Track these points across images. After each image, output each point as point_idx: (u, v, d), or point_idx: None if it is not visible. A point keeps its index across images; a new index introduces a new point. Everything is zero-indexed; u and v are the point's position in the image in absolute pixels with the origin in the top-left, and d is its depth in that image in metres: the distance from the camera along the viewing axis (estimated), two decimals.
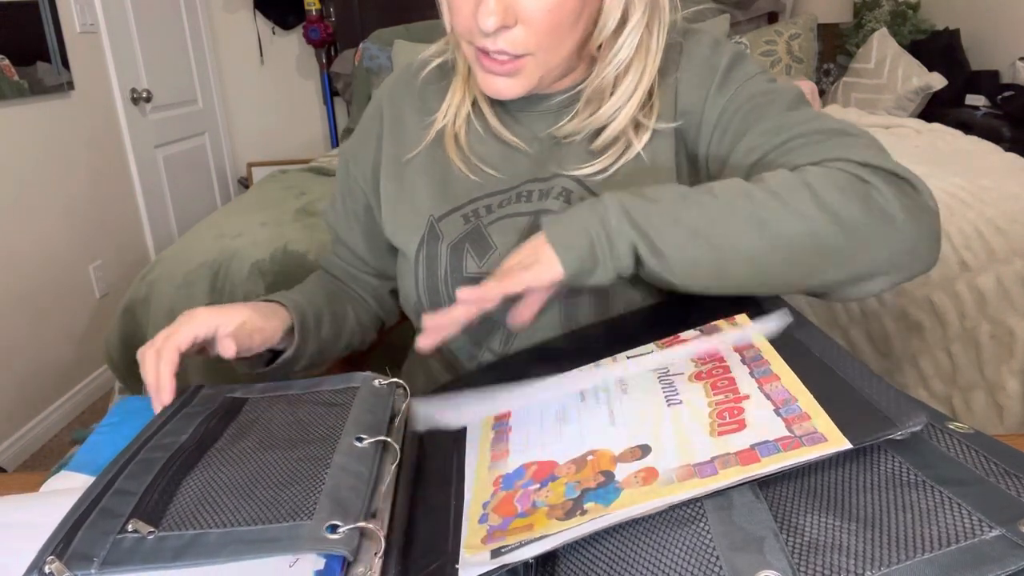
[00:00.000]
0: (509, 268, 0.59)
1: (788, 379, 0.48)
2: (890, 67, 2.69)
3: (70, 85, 2.39)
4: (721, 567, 0.35)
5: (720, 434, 0.44)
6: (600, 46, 0.70)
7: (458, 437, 0.55)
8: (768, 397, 0.46)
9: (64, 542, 0.44)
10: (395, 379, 0.63)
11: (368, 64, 2.80)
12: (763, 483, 0.40)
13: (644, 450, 0.45)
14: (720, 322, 0.57)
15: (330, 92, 3.37)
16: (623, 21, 0.66)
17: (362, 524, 0.43)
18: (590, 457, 0.46)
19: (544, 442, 0.50)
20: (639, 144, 0.71)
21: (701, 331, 0.57)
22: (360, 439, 0.52)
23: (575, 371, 0.58)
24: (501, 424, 0.55)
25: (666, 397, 0.50)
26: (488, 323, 0.73)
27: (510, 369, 0.65)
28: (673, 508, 0.39)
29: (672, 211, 0.57)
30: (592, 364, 0.58)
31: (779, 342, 0.52)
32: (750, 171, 0.65)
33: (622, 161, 0.71)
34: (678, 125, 0.71)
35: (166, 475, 0.50)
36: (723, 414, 0.46)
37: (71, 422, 2.37)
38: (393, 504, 0.49)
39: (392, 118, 0.80)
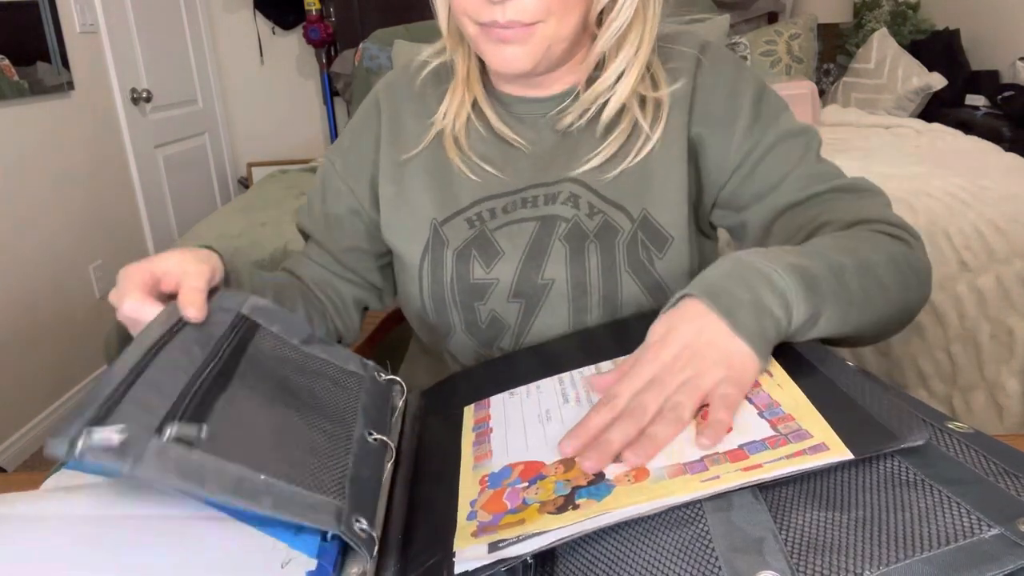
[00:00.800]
0: (698, 382, 0.47)
1: (779, 379, 0.48)
2: (890, 67, 2.69)
3: (70, 85, 2.39)
4: (720, 568, 0.35)
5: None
6: (600, 22, 0.69)
7: (454, 436, 0.55)
8: (751, 401, 0.47)
9: (95, 421, 0.38)
10: (393, 376, 0.62)
11: (368, 64, 2.80)
12: (762, 484, 0.40)
13: None
14: None
15: (330, 92, 3.37)
16: None
17: (375, 532, 0.43)
18: (578, 457, 0.46)
19: (528, 444, 0.50)
20: (646, 121, 0.70)
21: None
22: (371, 433, 0.52)
23: (555, 376, 0.58)
24: (481, 427, 0.54)
25: None
26: (498, 325, 0.73)
27: (510, 365, 0.65)
28: (672, 509, 0.39)
29: (836, 288, 0.54)
30: (578, 369, 0.58)
31: (781, 354, 0.52)
32: (784, 211, 0.70)
33: (632, 153, 0.70)
34: (695, 133, 0.71)
35: (200, 385, 0.45)
36: (707, 415, 0.46)
37: None
38: (391, 502, 0.49)
39: (390, 119, 0.79)
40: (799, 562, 0.35)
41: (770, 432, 0.43)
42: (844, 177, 0.70)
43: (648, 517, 0.40)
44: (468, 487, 0.48)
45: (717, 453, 0.42)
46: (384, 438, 0.53)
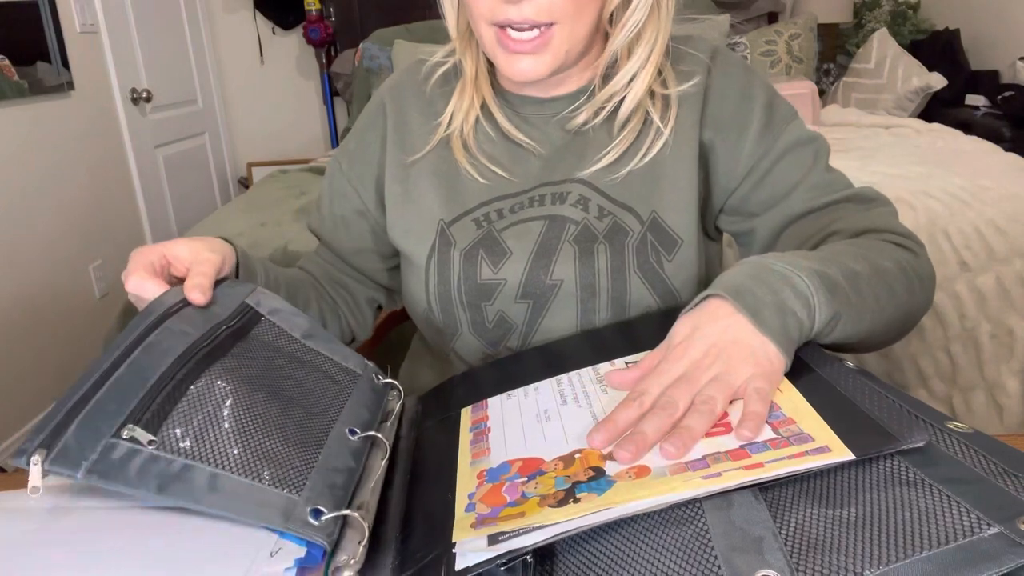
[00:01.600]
0: (729, 380, 0.47)
1: (789, 395, 0.48)
2: (890, 67, 2.69)
3: (70, 85, 2.39)
4: (719, 567, 0.35)
5: (707, 436, 0.44)
6: (612, 21, 0.69)
7: (452, 436, 0.55)
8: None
9: (53, 434, 0.40)
10: (390, 380, 0.62)
11: (368, 64, 2.80)
12: (762, 484, 0.40)
13: None
14: None
15: (330, 92, 3.37)
16: None
17: (346, 512, 0.43)
18: (578, 455, 0.46)
19: (527, 442, 0.50)
20: (656, 115, 0.70)
21: None
22: (353, 431, 0.52)
23: (553, 378, 0.58)
24: (478, 427, 0.54)
25: None
26: (505, 325, 0.73)
27: (512, 366, 0.65)
28: (671, 507, 0.39)
29: (851, 294, 0.55)
30: (576, 371, 0.58)
31: None
32: (794, 220, 0.71)
33: (641, 151, 0.71)
34: (706, 138, 0.72)
35: (173, 378, 0.47)
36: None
37: None
38: (389, 503, 0.49)
39: (397, 120, 0.79)
40: (798, 561, 0.35)
41: (771, 435, 0.43)
42: (852, 187, 0.72)
43: (647, 515, 0.40)
44: (466, 481, 0.48)
45: (719, 452, 0.42)
46: (374, 433, 0.53)
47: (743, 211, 0.74)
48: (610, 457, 0.45)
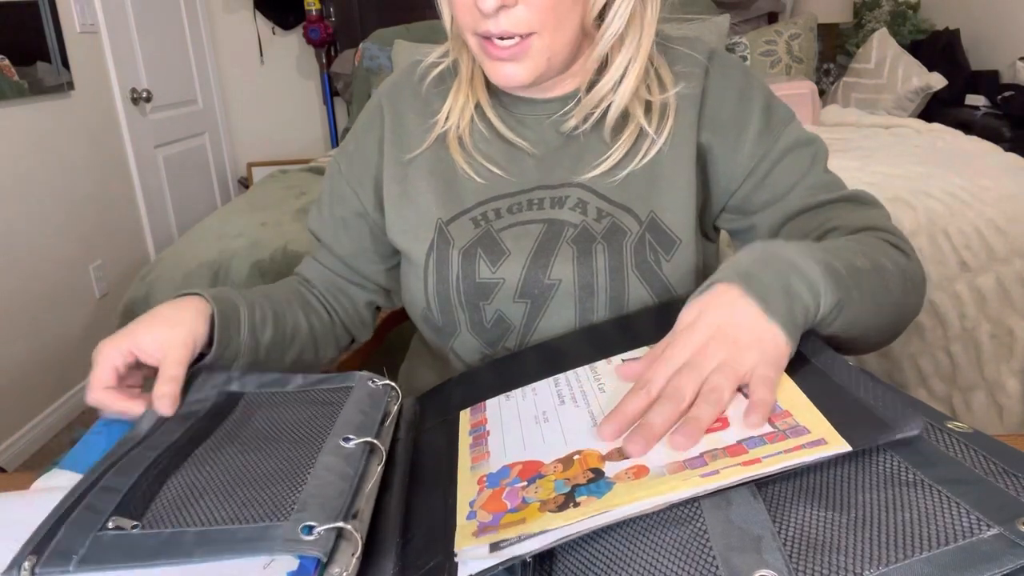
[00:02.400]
0: (735, 366, 0.47)
1: (785, 386, 0.47)
2: (890, 67, 2.69)
3: (70, 85, 2.39)
4: (718, 567, 0.35)
5: (706, 432, 0.44)
6: (599, 25, 0.70)
7: (451, 440, 0.55)
8: (747, 396, 0.46)
9: (46, 538, 0.44)
10: (389, 381, 0.62)
11: (368, 64, 2.80)
12: (760, 482, 0.40)
13: None
14: None
15: (330, 92, 3.37)
16: None
17: (339, 524, 0.43)
18: (576, 456, 0.46)
19: (525, 444, 0.49)
20: (651, 126, 0.71)
21: None
22: (348, 439, 0.52)
23: (551, 378, 0.58)
24: (477, 430, 0.54)
25: None
26: (503, 325, 0.73)
27: (511, 365, 0.65)
28: (670, 507, 0.39)
29: (853, 286, 0.54)
30: (574, 370, 0.58)
31: None
32: (793, 216, 0.72)
33: (639, 156, 0.71)
34: (704, 139, 0.72)
35: (152, 473, 0.50)
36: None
37: (71, 422, 2.37)
38: (388, 507, 0.49)
39: (394, 121, 0.79)
40: (797, 561, 0.35)
41: (768, 429, 0.43)
42: (847, 189, 0.73)
43: (646, 516, 0.40)
44: (466, 487, 0.47)
45: (716, 449, 0.42)
46: (370, 439, 0.53)
47: (743, 210, 0.75)
48: (610, 458, 0.45)
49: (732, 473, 0.39)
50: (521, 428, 0.52)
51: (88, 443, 0.60)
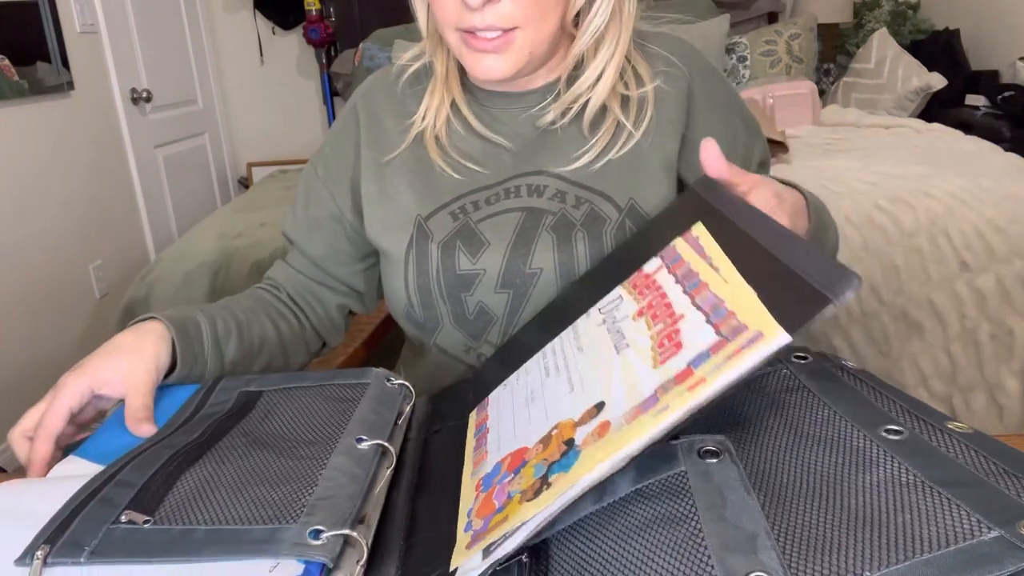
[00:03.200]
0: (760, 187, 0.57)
1: (725, 273, 0.46)
2: (890, 67, 2.69)
3: (70, 85, 2.39)
4: (712, 566, 0.35)
5: (662, 362, 0.43)
6: (578, 23, 0.71)
7: (459, 445, 0.55)
8: (699, 308, 0.45)
9: (60, 529, 0.44)
10: (404, 381, 0.63)
11: (368, 64, 2.80)
12: (756, 480, 0.40)
13: (599, 407, 0.45)
14: (676, 240, 0.54)
15: (330, 92, 3.37)
16: None
17: (346, 532, 0.43)
18: (554, 431, 0.46)
19: (516, 432, 0.50)
20: (629, 121, 0.72)
21: (662, 257, 0.54)
22: (361, 439, 0.52)
23: (539, 352, 0.58)
24: (480, 429, 0.55)
25: (615, 345, 0.49)
26: (486, 316, 0.73)
27: (514, 348, 0.66)
28: (664, 506, 0.39)
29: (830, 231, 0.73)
30: (560, 336, 0.58)
31: (711, 223, 0.51)
32: None
33: (616, 147, 0.72)
34: (689, 139, 0.74)
35: (167, 469, 0.50)
36: (663, 342, 0.45)
37: None
38: (394, 509, 0.49)
39: (369, 123, 0.80)
40: (796, 562, 0.35)
41: (714, 338, 0.41)
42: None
43: (640, 515, 0.39)
44: (466, 495, 0.48)
45: (667, 380, 0.41)
46: (381, 442, 0.53)
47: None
48: (582, 422, 0.44)
49: (680, 403, 0.38)
50: (514, 416, 0.52)
51: (106, 431, 0.61)
